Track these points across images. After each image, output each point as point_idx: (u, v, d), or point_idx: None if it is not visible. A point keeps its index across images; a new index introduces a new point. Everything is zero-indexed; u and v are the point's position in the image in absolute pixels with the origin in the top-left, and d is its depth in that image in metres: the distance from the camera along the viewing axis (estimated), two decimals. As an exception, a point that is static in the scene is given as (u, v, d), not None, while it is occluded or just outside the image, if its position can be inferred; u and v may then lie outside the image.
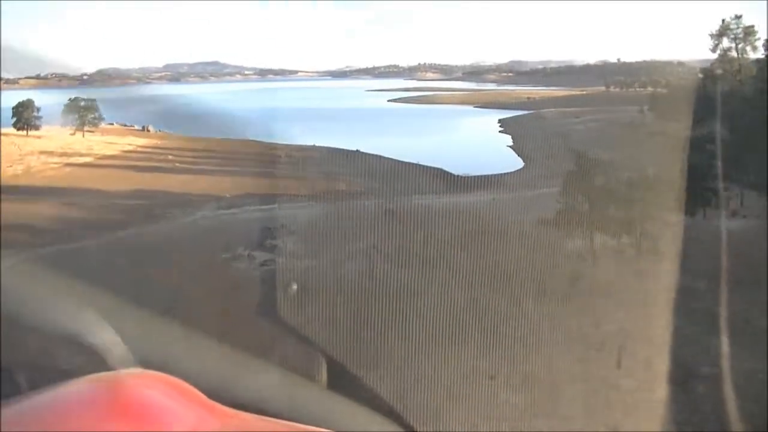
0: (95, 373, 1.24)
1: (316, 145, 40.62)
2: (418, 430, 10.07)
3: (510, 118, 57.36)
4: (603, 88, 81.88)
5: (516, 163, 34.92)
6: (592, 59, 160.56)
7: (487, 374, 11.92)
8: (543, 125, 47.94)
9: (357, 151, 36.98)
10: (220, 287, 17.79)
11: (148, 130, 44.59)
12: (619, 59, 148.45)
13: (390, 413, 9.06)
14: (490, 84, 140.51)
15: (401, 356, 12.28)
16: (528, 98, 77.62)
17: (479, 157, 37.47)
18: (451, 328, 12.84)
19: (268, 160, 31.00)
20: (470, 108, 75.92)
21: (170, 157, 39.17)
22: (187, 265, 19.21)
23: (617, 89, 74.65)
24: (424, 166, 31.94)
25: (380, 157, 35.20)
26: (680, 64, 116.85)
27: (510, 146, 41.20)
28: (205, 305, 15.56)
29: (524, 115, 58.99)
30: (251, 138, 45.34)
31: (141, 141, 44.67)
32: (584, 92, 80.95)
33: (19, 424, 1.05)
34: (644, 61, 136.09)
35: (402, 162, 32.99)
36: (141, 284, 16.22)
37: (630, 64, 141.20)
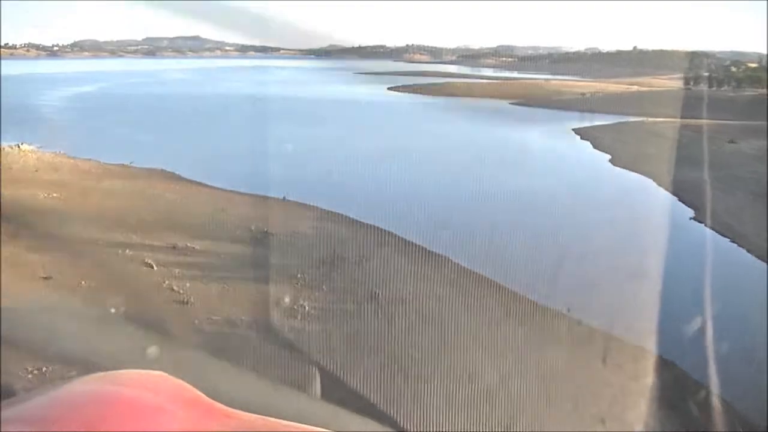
0: (95, 373, 1.17)
1: (287, 198, 18.46)
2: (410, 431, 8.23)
3: (597, 130, 35.43)
4: (678, 84, 60.31)
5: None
6: (581, 46, 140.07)
7: (479, 375, 9.26)
8: (701, 159, 25.95)
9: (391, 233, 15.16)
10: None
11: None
12: (635, 47, 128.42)
13: (382, 416, 7.81)
14: (485, 69, 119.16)
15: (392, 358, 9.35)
16: (582, 94, 55.48)
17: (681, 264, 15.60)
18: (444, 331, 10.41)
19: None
20: (505, 104, 53.61)
21: None
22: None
23: (713, 88, 52.72)
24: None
25: (450, 261, 13.36)
26: (706, 55, 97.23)
27: (697, 220, 19.22)
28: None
29: (619, 126, 36.93)
30: (170, 170, 22.74)
31: None
32: (651, 88, 59.26)
33: (20, 423, 1.00)
34: (666, 51, 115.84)
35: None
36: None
37: (648, 52, 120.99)
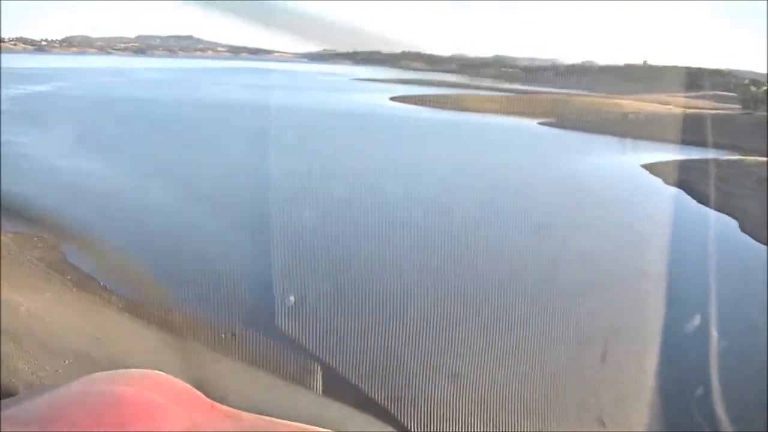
0: (95, 373, 1.16)
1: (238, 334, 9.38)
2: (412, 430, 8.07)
3: (681, 171, 26.33)
4: (720, 105, 51.88)
5: None
6: (583, 58, 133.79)
7: (481, 375, 9.37)
8: None
9: None
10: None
11: None
12: (645, 61, 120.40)
13: (384, 415, 7.68)
14: (486, 80, 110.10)
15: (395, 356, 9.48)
16: (625, 115, 46.47)
17: None
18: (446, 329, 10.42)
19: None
20: (534, 124, 44.56)
21: None
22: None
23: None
24: None
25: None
26: (720, 73, 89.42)
27: None
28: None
29: (706, 165, 27.76)
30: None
31: None
32: (701, 110, 50.38)
33: (19, 424, 0.99)
34: (678, 67, 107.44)
35: None
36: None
37: (658, 67, 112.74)
